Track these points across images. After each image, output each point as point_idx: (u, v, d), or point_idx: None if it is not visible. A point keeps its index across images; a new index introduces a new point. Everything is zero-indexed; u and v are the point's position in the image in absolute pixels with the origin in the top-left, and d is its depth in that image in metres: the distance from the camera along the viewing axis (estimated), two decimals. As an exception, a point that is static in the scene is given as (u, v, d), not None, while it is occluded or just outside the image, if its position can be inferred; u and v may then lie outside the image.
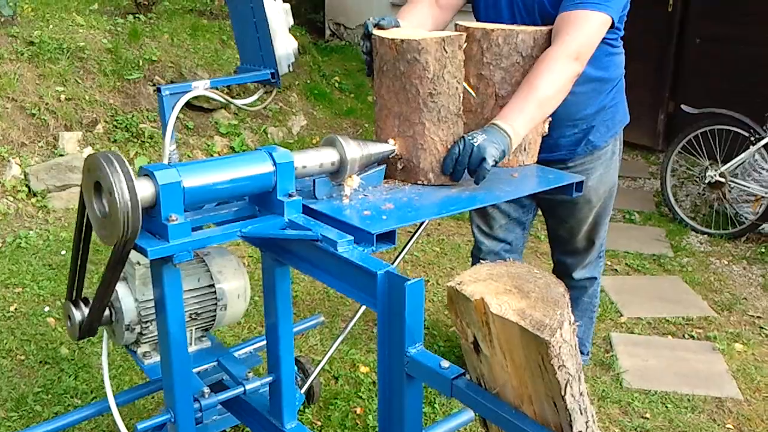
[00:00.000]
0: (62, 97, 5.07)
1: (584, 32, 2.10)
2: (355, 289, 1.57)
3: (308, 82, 6.91)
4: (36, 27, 5.41)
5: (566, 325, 1.18)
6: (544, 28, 2.12)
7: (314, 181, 1.85)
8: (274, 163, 1.70)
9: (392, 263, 2.41)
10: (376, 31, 1.97)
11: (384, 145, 1.93)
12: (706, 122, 4.84)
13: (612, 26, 2.19)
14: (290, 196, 1.73)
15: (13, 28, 5.31)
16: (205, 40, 6.18)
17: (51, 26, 5.51)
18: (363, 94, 7.34)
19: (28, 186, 4.61)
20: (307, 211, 1.78)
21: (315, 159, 1.81)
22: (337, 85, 7.30)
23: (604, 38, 2.36)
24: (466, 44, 2.15)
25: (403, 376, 1.49)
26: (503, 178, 2.09)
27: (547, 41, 2.12)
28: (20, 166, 4.65)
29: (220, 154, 5.55)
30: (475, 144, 1.86)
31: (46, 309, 3.41)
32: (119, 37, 5.65)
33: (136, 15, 6.11)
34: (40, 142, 4.84)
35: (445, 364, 1.41)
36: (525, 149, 2.20)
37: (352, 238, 1.60)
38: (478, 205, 1.95)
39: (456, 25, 2.24)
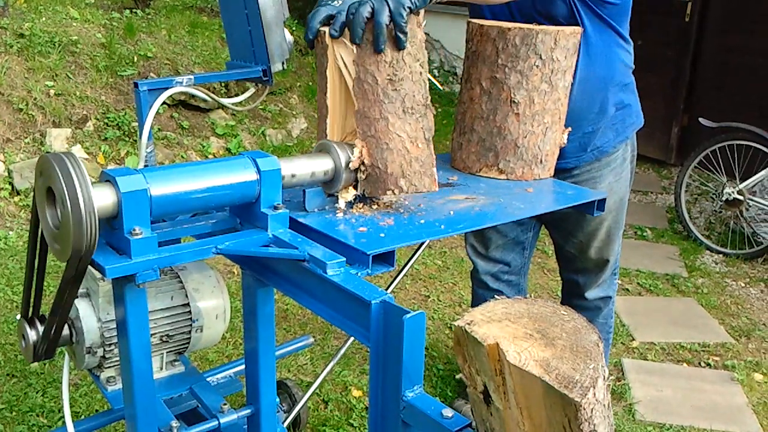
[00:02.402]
0: (51, 92, 4.85)
1: None
2: (346, 319, 1.36)
3: (310, 84, 6.70)
4: (28, 19, 5.21)
5: (600, 381, 0.96)
6: (567, 29, 1.91)
7: (305, 191, 1.64)
8: (258, 171, 1.48)
9: (390, 284, 2.20)
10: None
11: (384, 152, 1.71)
12: (724, 137, 4.63)
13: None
14: (276, 208, 1.51)
15: (3, 19, 5.10)
16: (203, 38, 5.98)
17: (43, 19, 5.30)
18: (366, 98, 7.12)
19: (11, 184, 4.39)
20: (295, 225, 1.57)
21: (306, 167, 1.59)
22: (339, 88, 7.09)
23: (611, 27, 2.14)
24: (479, 43, 1.96)
25: (399, 424, 1.27)
26: (516, 193, 1.88)
27: (571, 42, 1.91)
28: (4, 162, 4.44)
29: (215, 156, 5.33)
30: None
31: (19, 317, 3.18)
32: (114, 32, 5.44)
33: (134, 10, 5.91)
34: (26, 138, 4.62)
35: (448, 412, 1.19)
36: (541, 161, 1.99)
37: (344, 259, 1.39)
38: (488, 224, 1.73)
39: (468, 22, 2.04)
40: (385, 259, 1.49)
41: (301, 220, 1.59)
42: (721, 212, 4.89)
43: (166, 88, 1.96)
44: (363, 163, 1.61)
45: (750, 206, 4.58)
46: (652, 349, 3.40)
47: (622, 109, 2.27)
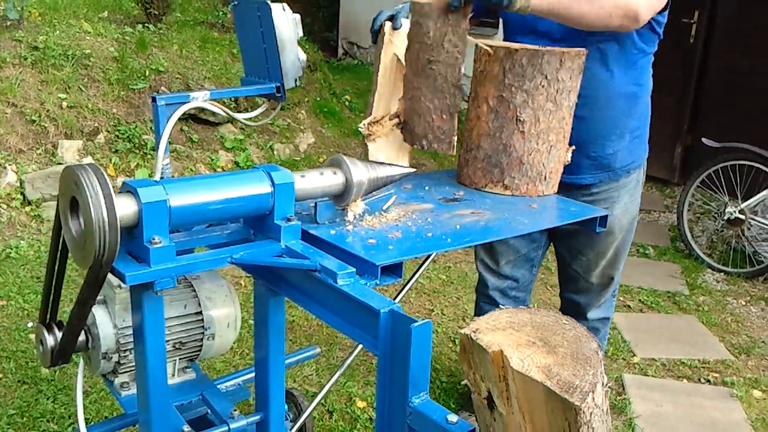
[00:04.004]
0: (64, 104, 4.94)
1: None
2: (355, 328, 1.41)
3: (318, 99, 6.78)
4: (42, 32, 5.30)
5: (599, 387, 1.02)
6: (572, 50, 1.96)
7: (316, 204, 1.70)
8: (273, 184, 1.54)
9: (396, 296, 2.25)
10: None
11: (396, 167, 1.76)
12: (726, 157, 4.68)
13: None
14: (288, 220, 1.57)
15: (18, 32, 5.19)
16: (214, 53, 6.06)
17: (57, 32, 5.39)
18: (373, 113, 7.20)
19: (23, 194, 4.46)
20: (306, 236, 1.63)
21: (318, 180, 1.65)
22: (347, 103, 7.18)
23: (642, 45, 2.21)
24: (487, 63, 2.02)
25: (405, 430, 1.32)
26: (521, 209, 1.93)
27: (576, 63, 1.97)
28: (16, 173, 4.51)
29: (224, 169, 5.40)
30: None
31: (30, 324, 3.25)
32: (126, 46, 5.53)
33: (146, 24, 6.00)
34: (38, 149, 4.70)
35: (453, 418, 1.24)
36: (545, 178, 2.05)
37: (354, 269, 1.44)
38: (492, 238, 1.79)
39: (477, 45, 2.10)
40: (393, 270, 1.54)
41: (312, 231, 1.65)
42: (722, 231, 4.94)
43: (183, 103, 2.02)
44: (399, 116, 2.00)
45: (751, 225, 4.62)
46: (652, 365, 3.44)
47: (639, 136, 2.36)
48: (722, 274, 4.65)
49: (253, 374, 2.20)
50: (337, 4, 9.20)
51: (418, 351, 1.26)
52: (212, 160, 5.40)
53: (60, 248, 1.59)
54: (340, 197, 1.70)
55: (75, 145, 4.85)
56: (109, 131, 5.06)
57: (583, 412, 0.98)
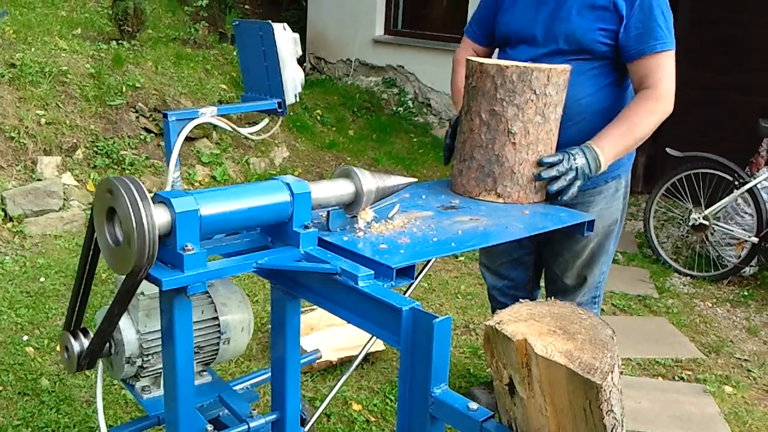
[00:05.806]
0: (42, 120, 4.96)
1: (669, 73, 2.36)
2: (376, 326, 1.51)
3: (291, 114, 6.88)
4: (18, 49, 5.31)
5: (616, 368, 1.14)
6: (559, 67, 2.11)
7: (329, 212, 1.81)
8: (291, 193, 1.65)
9: (405, 292, 2.36)
10: None
11: (400, 177, 1.88)
12: (689, 166, 4.89)
13: None
14: (306, 227, 1.68)
15: (-7, 49, 5.21)
16: (189, 69, 6.13)
17: (33, 49, 5.41)
18: (344, 128, 7.32)
19: (4, 210, 4.47)
20: (320, 243, 1.73)
21: (330, 190, 1.76)
22: (318, 118, 7.28)
23: (616, 74, 2.39)
24: (479, 79, 2.15)
25: (427, 417, 1.43)
26: (515, 215, 2.06)
27: (562, 79, 2.11)
28: (-3, 189, 4.52)
29: (201, 184, 5.46)
30: (577, 166, 2.14)
31: (25, 338, 3.28)
32: (102, 63, 5.57)
33: (120, 41, 6.04)
34: (17, 165, 4.72)
35: (474, 405, 1.36)
36: (535, 186, 2.18)
37: (373, 272, 1.55)
38: (493, 242, 1.91)
39: (468, 60, 2.23)
40: (405, 272, 1.65)
41: (326, 238, 1.75)
42: (687, 237, 5.15)
43: (193, 118, 2.12)
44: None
45: (715, 231, 4.83)
46: (628, 364, 3.60)
47: None
48: (688, 278, 4.85)
49: (262, 377, 2.30)
50: (304, 20, 9.32)
51: (439, 344, 1.37)
52: (189, 174, 5.46)
53: (90, 257, 1.67)
54: (351, 206, 1.81)
55: (54, 161, 4.88)
56: (87, 147, 5.09)
57: (604, 390, 1.10)
